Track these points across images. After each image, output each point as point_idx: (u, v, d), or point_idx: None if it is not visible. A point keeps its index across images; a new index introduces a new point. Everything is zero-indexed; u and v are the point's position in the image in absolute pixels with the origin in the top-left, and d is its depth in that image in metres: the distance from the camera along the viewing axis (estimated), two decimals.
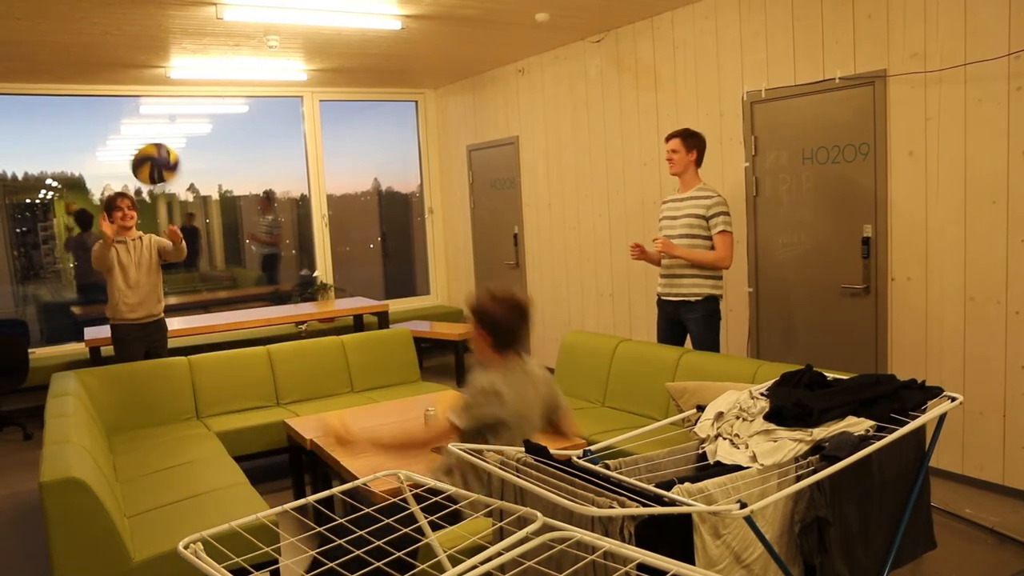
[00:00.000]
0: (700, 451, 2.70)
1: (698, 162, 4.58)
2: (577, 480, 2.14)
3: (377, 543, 1.73)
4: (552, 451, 2.37)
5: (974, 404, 4.15)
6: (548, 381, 3.09)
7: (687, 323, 4.65)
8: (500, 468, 2.26)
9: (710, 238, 4.47)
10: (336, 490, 1.87)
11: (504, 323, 2.89)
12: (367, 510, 2.06)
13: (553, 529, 1.55)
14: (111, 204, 5.26)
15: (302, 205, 8.60)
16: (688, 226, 4.49)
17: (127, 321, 5.23)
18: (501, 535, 2.29)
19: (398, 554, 1.70)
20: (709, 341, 4.57)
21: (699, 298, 4.51)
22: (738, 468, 2.36)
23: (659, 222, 4.74)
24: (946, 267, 4.21)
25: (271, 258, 8.87)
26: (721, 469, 2.40)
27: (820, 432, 2.46)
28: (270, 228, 8.78)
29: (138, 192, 8.05)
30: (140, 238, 5.32)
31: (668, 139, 4.59)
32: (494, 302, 2.90)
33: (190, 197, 8.45)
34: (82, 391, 4.49)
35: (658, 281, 4.76)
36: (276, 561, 3.18)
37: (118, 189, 7.89)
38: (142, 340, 5.30)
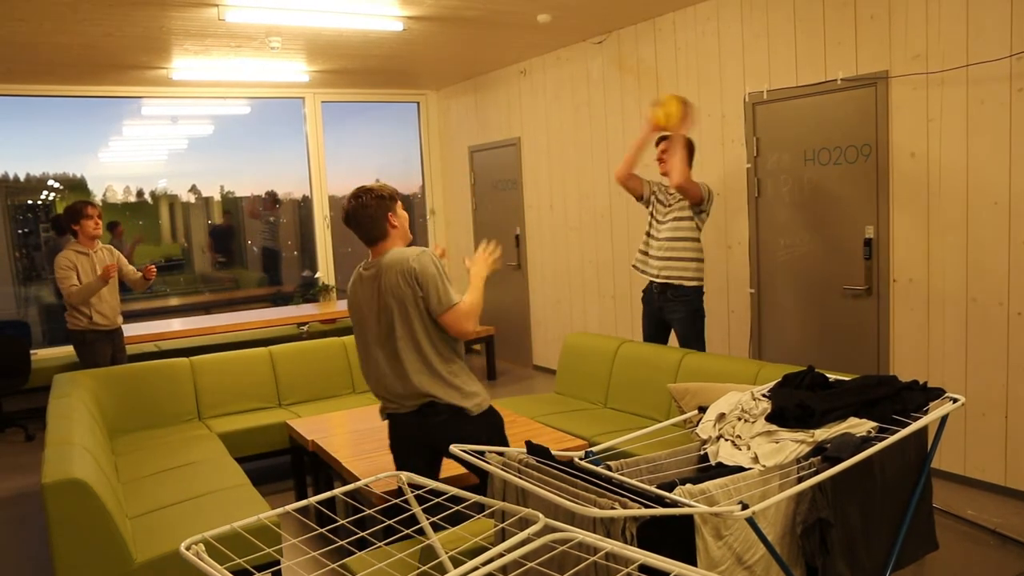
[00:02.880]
0: (702, 452, 2.70)
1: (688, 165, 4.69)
2: (579, 481, 2.14)
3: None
4: (554, 452, 2.37)
5: (976, 405, 4.15)
6: (393, 276, 2.84)
7: (672, 322, 4.76)
8: (502, 469, 2.26)
9: (695, 239, 4.63)
10: (338, 491, 1.87)
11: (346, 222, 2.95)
12: (369, 511, 2.06)
13: (555, 530, 1.55)
14: (80, 213, 5.20)
15: (304, 206, 8.61)
16: (674, 228, 4.63)
17: (94, 327, 5.24)
18: (503, 536, 2.29)
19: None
20: (694, 339, 4.68)
21: (690, 284, 4.62)
22: (740, 469, 2.36)
23: (652, 197, 4.80)
24: (948, 268, 4.20)
25: (271, 255, 8.87)
26: (723, 470, 2.40)
27: (822, 433, 2.46)
28: (271, 227, 8.79)
29: (140, 193, 8.06)
30: (101, 250, 5.34)
31: (660, 141, 4.68)
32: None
33: (192, 198, 8.46)
34: (84, 392, 4.50)
35: (637, 258, 4.84)
36: (278, 562, 3.18)
37: (119, 190, 7.90)
38: (109, 344, 5.35)
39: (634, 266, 4.89)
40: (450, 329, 2.88)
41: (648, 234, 4.82)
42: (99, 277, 5.12)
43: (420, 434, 2.98)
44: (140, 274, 5.39)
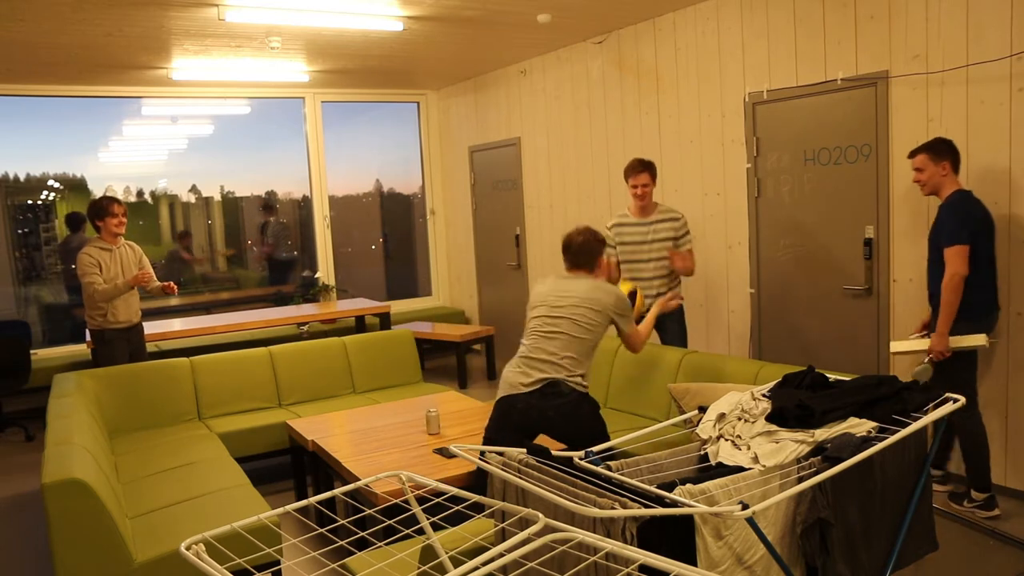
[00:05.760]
0: (702, 452, 2.70)
1: None
2: (579, 481, 2.14)
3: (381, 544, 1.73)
4: (554, 452, 2.37)
5: None
6: (598, 293, 3.54)
7: (664, 322, 4.83)
8: (502, 469, 2.26)
9: (676, 240, 4.75)
10: (338, 491, 1.87)
11: (562, 249, 3.73)
12: (369, 511, 2.06)
13: (555, 530, 1.55)
14: (105, 210, 5.19)
15: (304, 206, 8.61)
16: (661, 249, 4.73)
17: (114, 327, 5.23)
18: (503, 536, 2.29)
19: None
20: (681, 336, 4.87)
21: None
22: (740, 469, 2.36)
23: (616, 247, 4.87)
24: None
25: (280, 264, 8.85)
26: (723, 470, 2.40)
27: (822, 433, 2.46)
28: (275, 234, 8.77)
29: (140, 193, 8.06)
30: (124, 246, 5.32)
31: (636, 175, 4.73)
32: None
33: (192, 198, 8.46)
34: (84, 392, 4.50)
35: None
36: (278, 562, 3.18)
37: (119, 190, 7.90)
38: (127, 343, 5.32)
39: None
40: None
41: (635, 276, 4.86)
42: (127, 282, 5.13)
43: None
44: (159, 284, 5.35)
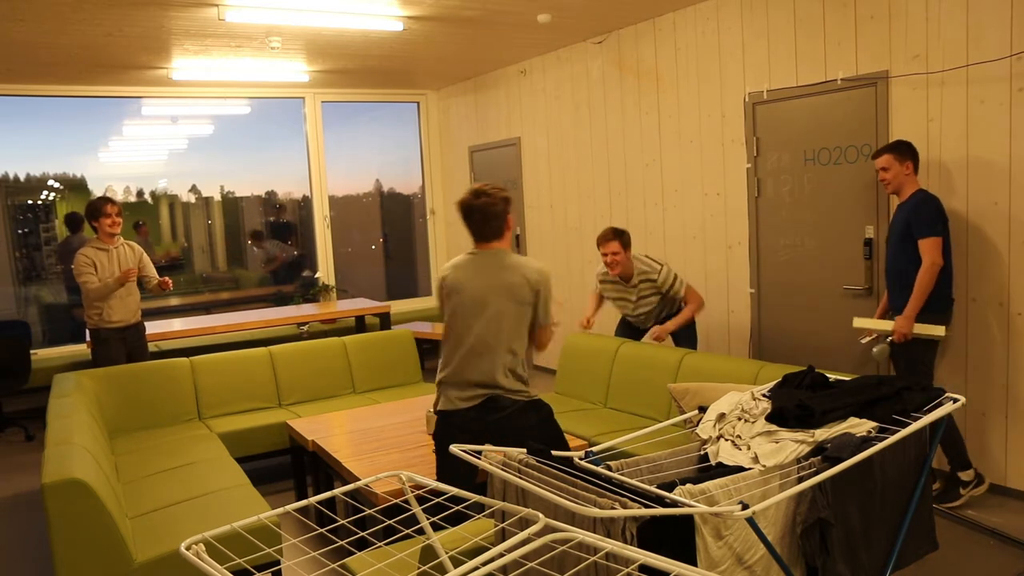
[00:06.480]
0: (702, 452, 2.70)
1: None
2: (579, 481, 2.14)
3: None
4: (554, 452, 2.37)
5: (976, 405, 4.15)
6: (518, 277, 3.06)
7: (676, 336, 4.99)
8: (502, 469, 2.26)
9: (664, 294, 4.81)
10: (338, 491, 1.87)
11: (463, 219, 3.14)
12: (369, 511, 2.06)
13: (555, 530, 1.55)
14: (98, 211, 5.22)
15: (304, 206, 8.61)
16: (648, 303, 4.85)
17: (109, 326, 5.25)
18: (503, 536, 2.29)
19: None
20: (691, 341, 4.95)
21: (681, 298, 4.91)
22: (740, 469, 2.36)
23: (600, 286, 5.04)
24: None
25: (290, 265, 8.85)
26: (723, 470, 2.40)
27: (822, 433, 2.46)
28: (285, 232, 8.78)
29: (140, 193, 8.06)
30: (122, 246, 5.34)
31: (606, 243, 4.73)
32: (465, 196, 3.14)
33: (192, 198, 8.46)
34: (84, 392, 4.50)
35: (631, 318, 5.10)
36: (278, 562, 3.18)
37: (119, 191, 7.90)
38: (123, 342, 5.33)
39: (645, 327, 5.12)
40: None
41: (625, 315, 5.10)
42: (116, 279, 5.14)
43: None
44: (156, 280, 5.40)
